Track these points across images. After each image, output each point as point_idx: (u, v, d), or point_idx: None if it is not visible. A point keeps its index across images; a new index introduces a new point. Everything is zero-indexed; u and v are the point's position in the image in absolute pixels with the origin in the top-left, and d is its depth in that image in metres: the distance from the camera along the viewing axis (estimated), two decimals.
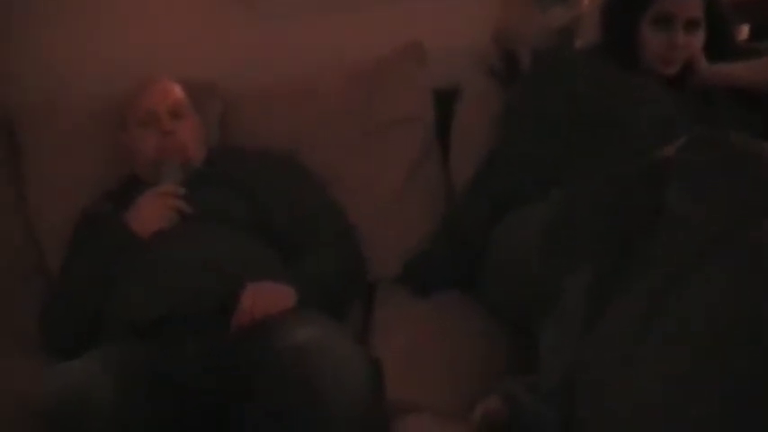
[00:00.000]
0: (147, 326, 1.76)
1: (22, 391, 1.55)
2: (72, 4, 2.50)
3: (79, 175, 2.23)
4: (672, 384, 1.28)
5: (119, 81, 2.28)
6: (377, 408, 1.55)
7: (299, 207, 2.04)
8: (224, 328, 1.70)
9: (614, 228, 1.53)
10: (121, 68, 2.39)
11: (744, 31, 3.57)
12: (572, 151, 1.90)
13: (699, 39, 1.99)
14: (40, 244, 2.23)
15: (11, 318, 2.04)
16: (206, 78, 2.33)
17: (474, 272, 1.92)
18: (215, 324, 1.72)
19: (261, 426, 1.47)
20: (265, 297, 1.71)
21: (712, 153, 1.53)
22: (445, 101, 2.28)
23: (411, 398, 1.64)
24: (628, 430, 1.32)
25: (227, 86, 2.35)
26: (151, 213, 1.93)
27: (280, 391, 1.45)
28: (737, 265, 1.33)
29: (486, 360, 1.75)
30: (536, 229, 1.68)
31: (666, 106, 1.94)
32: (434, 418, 1.61)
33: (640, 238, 1.49)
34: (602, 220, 1.55)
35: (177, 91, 2.12)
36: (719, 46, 2.03)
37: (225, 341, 1.69)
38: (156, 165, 2.03)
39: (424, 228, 2.14)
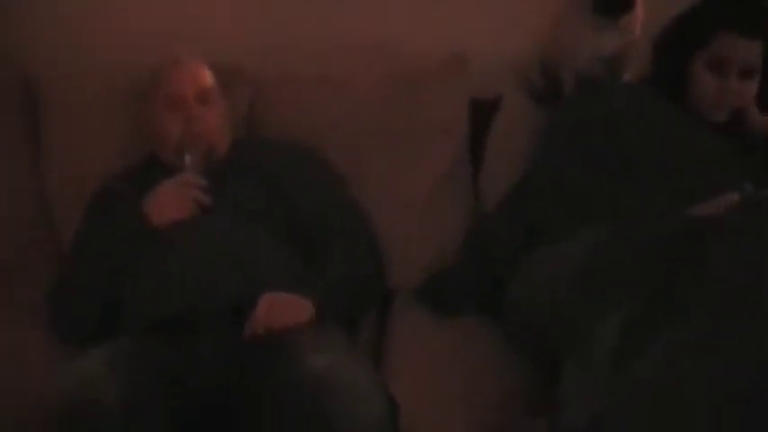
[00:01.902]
0: (160, 321, 1.72)
1: (36, 390, 1.53)
2: None
3: (99, 147, 2.19)
4: None
5: (146, 55, 2.21)
6: None
7: (322, 206, 1.99)
8: (239, 330, 1.67)
9: (654, 282, 1.49)
10: (149, 42, 2.34)
11: None
12: (611, 185, 1.85)
13: (752, 87, 1.92)
14: (54, 213, 2.21)
15: (21, 290, 2.02)
16: (236, 62, 2.28)
17: (498, 297, 1.88)
18: (230, 324, 1.69)
19: None
20: (281, 309, 1.67)
21: (762, 217, 1.49)
22: (483, 111, 2.24)
23: None
24: None
25: (256, 70, 2.29)
26: (170, 203, 1.88)
27: (291, 420, 1.42)
28: None
29: (503, 395, 1.71)
30: (570, 268, 1.64)
31: (712, 150, 1.89)
32: None
33: (681, 296, 1.46)
34: (641, 272, 1.51)
35: (207, 75, 2.06)
36: None
37: (239, 344, 1.65)
38: (180, 150, 1.98)
39: (448, 241, 2.11)
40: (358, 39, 2.43)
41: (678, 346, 1.39)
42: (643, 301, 1.49)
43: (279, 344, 1.60)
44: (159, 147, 2.04)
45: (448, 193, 2.19)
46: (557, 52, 2.15)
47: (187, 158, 1.95)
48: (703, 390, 1.31)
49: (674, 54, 1.95)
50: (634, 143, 1.88)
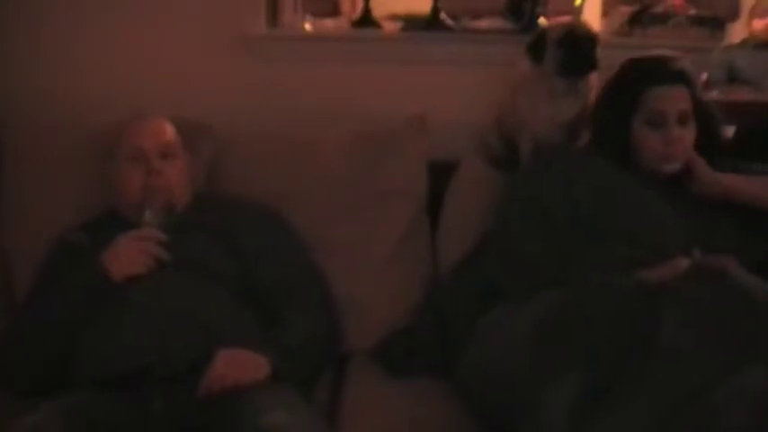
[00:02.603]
0: (115, 377, 1.70)
1: None
2: (72, 32, 2.49)
3: (59, 200, 2.19)
4: None
5: (111, 112, 2.23)
6: None
7: (281, 267, 2.00)
8: (192, 389, 1.66)
9: (605, 345, 1.53)
10: (115, 100, 2.38)
11: (729, 132, 3.66)
12: (565, 251, 1.89)
13: (692, 132, 1.99)
14: (9, 262, 2.19)
15: None
16: (200, 118, 2.29)
17: (453, 359, 1.89)
18: (183, 383, 1.67)
19: None
20: (237, 366, 1.68)
21: (711, 286, 1.54)
22: (441, 174, 2.27)
23: None
24: None
25: (221, 129, 2.31)
26: (129, 257, 1.87)
27: None
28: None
29: None
30: (524, 332, 1.67)
31: (663, 215, 1.94)
32: None
33: (631, 361, 1.50)
34: (593, 334, 1.55)
35: (169, 130, 2.08)
36: (709, 143, 2.03)
37: (192, 403, 1.64)
38: (139, 204, 1.97)
39: (406, 303, 2.13)
40: (322, 101, 2.47)
41: (630, 419, 1.43)
42: (596, 369, 1.53)
43: (233, 401, 1.60)
44: (120, 200, 2.04)
45: (406, 255, 2.21)
46: (515, 119, 2.19)
47: (147, 213, 1.94)
48: None
49: (614, 121, 2.01)
50: (588, 210, 1.92)
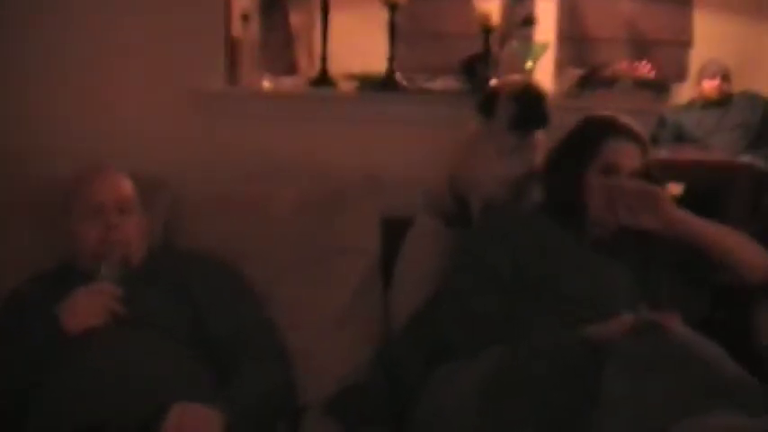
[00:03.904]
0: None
1: None
2: (26, 84, 2.51)
3: (11, 253, 2.19)
4: None
5: (67, 165, 2.24)
6: None
7: (236, 321, 2.01)
8: None
9: (553, 402, 1.57)
10: (72, 152, 2.38)
11: (677, 189, 3.77)
12: (514, 310, 1.92)
13: None
14: None
15: None
16: (157, 174, 2.31)
17: (406, 414, 1.91)
18: None
19: None
20: (192, 420, 1.67)
21: (652, 341, 1.59)
22: (394, 231, 2.30)
23: None
24: None
25: (177, 184, 2.34)
26: (84, 311, 1.87)
27: None
28: None
29: None
30: (473, 389, 1.70)
31: (609, 273, 1.99)
32: None
33: (578, 417, 1.53)
34: (541, 392, 1.59)
35: (126, 185, 2.10)
36: None
37: None
38: (96, 258, 1.99)
39: (358, 358, 2.14)
40: (277, 157, 2.51)
41: None
42: (544, 426, 1.57)
43: None
44: (76, 254, 2.04)
45: (359, 311, 2.23)
46: (466, 176, 2.24)
47: (103, 267, 1.96)
48: None
49: (568, 173, 2.06)
50: (534, 269, 1.96)
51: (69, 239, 2.06)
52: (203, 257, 2.14)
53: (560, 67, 4.26)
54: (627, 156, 2.03)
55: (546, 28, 5.07)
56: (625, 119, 2.08)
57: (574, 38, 5.33)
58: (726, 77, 4.77)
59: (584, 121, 2.11)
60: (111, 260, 1.98)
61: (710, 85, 4.78)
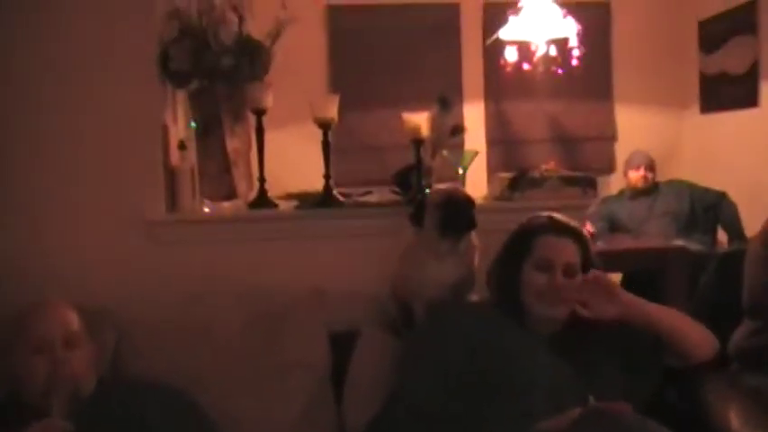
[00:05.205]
0: None
1: None
2: None
3: None
4: None
5: (10, 296, 2.26)
6: None
7: None
8: None
9: None
10: (14, 284, 2.37)
11: (616, 279, 3.87)
12: (465, 408, 1.94)
13: (577, 283, 2.10)
14: None
15: None
16: (103, 301, 2.33)
17: None
18: None
19: None
20: None
21: (603, 430, 1.63)
22: (342, 344, 2.34)
23: None
24: None
25: (122, 313, 2.35)
26: None
27: None
28: None
29: None
30: None
31: (555, 367, 2.03)
32: None
33: None
34: None
35: (72, 318, 2.10)
36: None
37: None
38: (44, 393, 1.98)
39: None
40: (221, 280, 2.54)
41: None
42: None
43: None
44: (23, 389, 2.02)
45: (311, 426, 2.24)
46: (406, 284, 2.31)
47: (52, 403, 1.95)
48: None
49: (507, 269, 2.16)
50: (484, 366, 1.98)
51: (16, 376, 2.04)
52: (154, 386, 2.12)
53: (492, 171, 4.40)
54: (559, 251, 2.12)
55: (477, 135, 5.28)
56: (560, 217, 2.19)
57: (503, 142, 5.53)
58: (650, 167, 4.94)
59: (523, 222, 2.22)
60: (61, 395, 1.97)
61: (636, 176, 4.95)
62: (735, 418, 2.13)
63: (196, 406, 2.12)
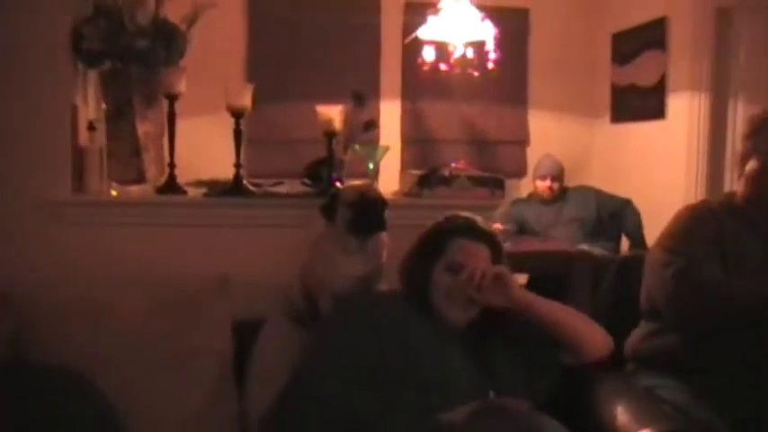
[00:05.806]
0: None
1: None
2: None
3: None
4: None
5: None
6: None
7: None
8: None
9: None
10: None
11: (522, 279, 3.95)
12: (369, 396, 1.97)
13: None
14: None
15: None
16: (1, 285, 2.28)
17: None
18: None
19: None
20: None
21: (492, 426, 1.68)
22: (245, 332, 2.34)
23: None
24: None
25: (25, 295, 2.30)
26: None
27: None
28: None
29: None
30: None
31: (459, 362, 2.07)
32: None
33: None
34: None
35: None
36: None
37: None
38: None
39: None
40: (127, 264, 2.52)
41: None
42: None
43: None
44: None
45: (213, 413, 2.23)
46: (314, 275, 2.32)
47: None
48: None
49: (419, 267, 2.17)
50: (388, 358, 2.02)
51: None
52: (53, 371, 2.10)
53: (406, 168, 4.43)
54: (471, 254, 2.14)
55: (392, 132, 5.31)
56: (478, 220, 2.21)
57: (418, 140, 5.58)
58: (556, 178, 5.03)
59: (437, 222, 2.23)
60: None
61: (543, 186, 5.04)
62: (622, 414, 2.20)
63: (94, 389, 2.10)
